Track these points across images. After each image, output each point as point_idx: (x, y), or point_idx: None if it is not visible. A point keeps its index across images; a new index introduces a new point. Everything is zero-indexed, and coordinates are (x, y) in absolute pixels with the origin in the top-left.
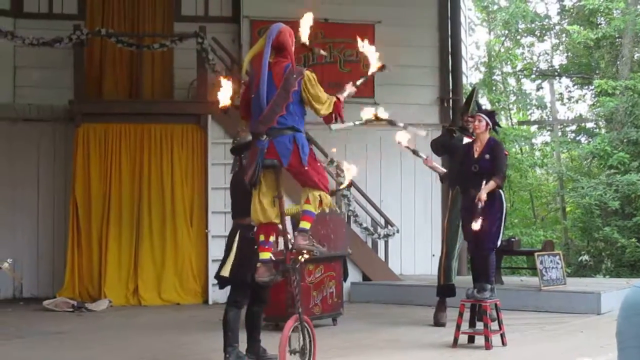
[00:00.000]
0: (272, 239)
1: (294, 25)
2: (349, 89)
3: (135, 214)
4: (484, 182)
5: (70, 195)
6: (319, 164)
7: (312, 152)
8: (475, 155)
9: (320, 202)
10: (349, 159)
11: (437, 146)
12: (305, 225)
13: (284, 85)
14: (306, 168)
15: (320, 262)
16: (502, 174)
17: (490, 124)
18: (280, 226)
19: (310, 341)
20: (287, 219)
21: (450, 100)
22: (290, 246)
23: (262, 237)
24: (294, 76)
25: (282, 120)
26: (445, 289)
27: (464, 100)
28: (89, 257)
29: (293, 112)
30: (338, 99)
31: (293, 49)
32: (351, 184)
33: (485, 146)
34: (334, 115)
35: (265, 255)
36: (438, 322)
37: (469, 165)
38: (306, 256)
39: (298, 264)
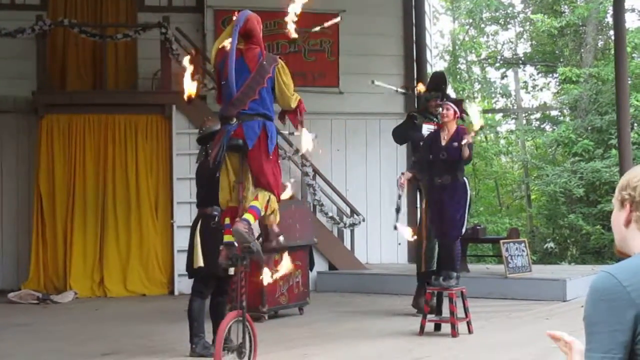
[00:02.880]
0: None
1: (257, 14)
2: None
3: (100, 205)
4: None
5: (34, 187)
6: (279, 167)
7: (277, 149)
8: (443, 143)
9: (268, 204)
10: (313, 147)
11: (398, 135)
12: (248, 217)
13: (259, 70)
14: (268, 161)
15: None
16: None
17: (458, 112)
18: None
19: (250, 339)
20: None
21: (415, 89)
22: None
23: (227, 220)
24: (267, 63)
25: (254, 106)
26: (426, 276)
27: (429, 85)
28: (53, 249)
29: (265, 98)
30: (301, 100)
31: (261, 35)
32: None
33: (454, 134)
34: (297, 114)
35: (229, 238)
36: (419, 307)
37: (437, 153)
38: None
39: (246, 258)
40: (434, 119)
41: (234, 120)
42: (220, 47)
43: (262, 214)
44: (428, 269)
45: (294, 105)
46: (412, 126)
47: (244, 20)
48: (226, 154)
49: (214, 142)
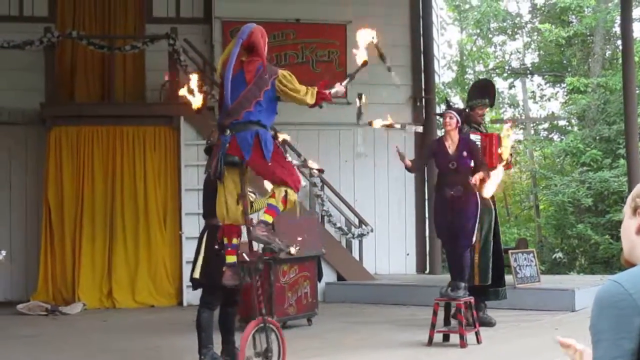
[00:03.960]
0: (235, 241)
1: (265, 26)
2: (337, 87)
3: (108, 216)
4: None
5: (42, 198)
6: (287, 160)
7: (277, 148)
8: (451, 153)
9: (285, 198)
10: (322, 157)
11: None
12: (266, 218)
13: (257, 82)
14: (269, 164)
15: (295, 263)
16: (486, 167)
17: (460, 121)
18: (244, 227)
19: (278, 344)
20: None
21: (423, 100)
22: (252, 244)
23: (225, 240)
24: (267, 76)
25: (247, 116)
26: (479, 290)
27: (472, 92)
28: (62, 261)
29: (262, 110)
30: (319, 90)
31: (265, 49)
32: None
33: (460, 143)
34: (323, 100)
35: (231, 258)
36: (490, 324)
37: (446, 164)
38: (269, 257)
39: (261, 264)
40: (479, 128)
41: (228, 131)
42: (224, 60)
43: (281, 209)
44: (482, 283)
45: (311, 101)
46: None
47: (248, 33)
48: (225, 169)
49: (212, 155)
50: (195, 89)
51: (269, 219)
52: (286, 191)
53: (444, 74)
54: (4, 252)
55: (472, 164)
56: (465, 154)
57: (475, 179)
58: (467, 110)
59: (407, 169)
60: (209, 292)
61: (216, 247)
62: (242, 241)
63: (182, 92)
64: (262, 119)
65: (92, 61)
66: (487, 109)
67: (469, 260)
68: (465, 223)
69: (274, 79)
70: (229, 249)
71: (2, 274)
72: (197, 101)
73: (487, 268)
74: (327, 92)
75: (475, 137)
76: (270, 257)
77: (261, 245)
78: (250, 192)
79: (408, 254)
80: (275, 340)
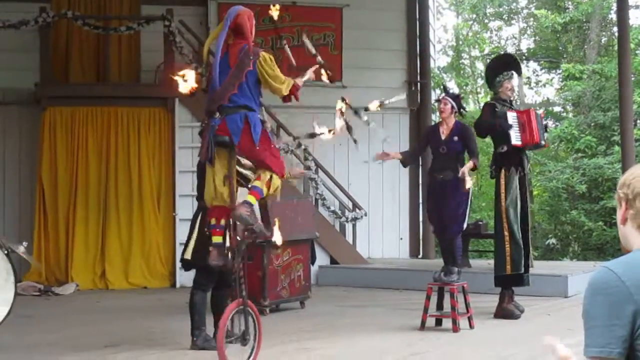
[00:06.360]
0: (223, 222)
1: (261, 8)
2: (309, 74)
3: (102, 197)
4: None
5: (36, 179)
6: (273, 146)
7: (265, 133)
8: (443, 137)
9: (270, 182)
10: (315, 142)
11: (484, 127)
12: (250, 199)
13: (239, 64)
14: (258, 148)
15: (288, 246)
16: (477, 155)
17: (456, 107)
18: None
19: (254, 327)
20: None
21: (418, 84)
22: (236, 227)
23: (213, 221)
24: (249, 57)
25: (235, 99)
26: (512, 280)
27: (494, 66)
28: (55, 241)
29: (246, 92)
30: (295, 82)
31: (253, 31)
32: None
33: (453, 128)
34: (292, 97)
35: (218, 239)
36: (508, 314)
37: (437, 148)
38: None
39: (243, 246)
40: (512, 105)
41: (217, 114)
42: (212, 41)
43: (265, 193)
44: (515, 271)
45: (285, 92)
46: (496, 116)
47: (235, 15)
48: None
49: (202, 138)
50: (188, 73)
51: (253, 200)
52: (271, 175)
53: (439, 59)
54: (25, 244)
55: (466, 151)
56: (456, 138)
57: (463, 171)
58: (494, 91)
59: (402, 162)
60: (203, 274)
61: (205, 230)
62: None
63: (177, 78)
64: (250, 102)
65: (87, 42)
66: (515, 81)
67: (460, 245)
68: (456, 208)
69: (256, 60)
70: (217, 229)
71: None
72: (188, 85)
73: (520, 258)
74: (299, 84)
75: (511, 115)
76: (251, 240)
77: (242, 226)
78: (247, 173)
79: (401, 238)
80: (252, 325)
